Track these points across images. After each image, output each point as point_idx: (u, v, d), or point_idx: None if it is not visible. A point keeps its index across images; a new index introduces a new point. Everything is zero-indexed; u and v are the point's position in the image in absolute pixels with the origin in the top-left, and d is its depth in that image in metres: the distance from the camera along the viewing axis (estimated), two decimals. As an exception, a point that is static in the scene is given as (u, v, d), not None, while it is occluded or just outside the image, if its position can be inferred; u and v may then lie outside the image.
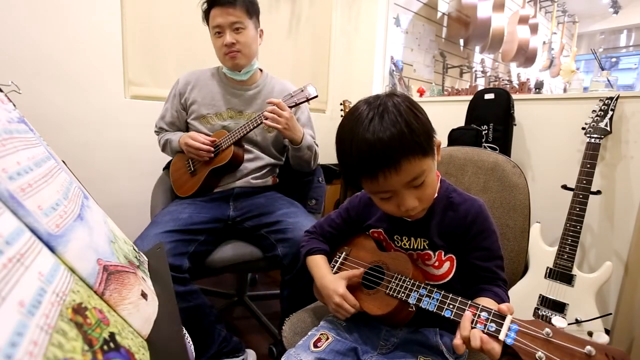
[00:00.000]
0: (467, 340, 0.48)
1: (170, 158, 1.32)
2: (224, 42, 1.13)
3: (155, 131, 1.30)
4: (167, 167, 1.34)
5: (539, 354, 0.42)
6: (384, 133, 0.52)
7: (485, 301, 0.56)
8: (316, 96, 1.10)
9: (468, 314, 0.50)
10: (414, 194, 0.56)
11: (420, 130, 0.53)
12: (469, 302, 0.52)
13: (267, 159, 1.26)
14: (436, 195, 0.64)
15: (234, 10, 1.10)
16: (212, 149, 1.14)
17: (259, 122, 1.09)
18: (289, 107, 1.08)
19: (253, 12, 1.16)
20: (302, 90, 1.10)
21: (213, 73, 1.26)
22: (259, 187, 1.24)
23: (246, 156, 1.20)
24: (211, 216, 1.10)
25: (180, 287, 0.93)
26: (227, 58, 1.16)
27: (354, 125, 0.55)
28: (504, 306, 0.50)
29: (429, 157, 0.55)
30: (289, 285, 1.05)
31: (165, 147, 1.26)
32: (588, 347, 0.41)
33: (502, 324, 0.47)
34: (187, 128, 1.27)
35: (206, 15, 1.16)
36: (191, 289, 0.97)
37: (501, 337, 0.46)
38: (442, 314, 0.53)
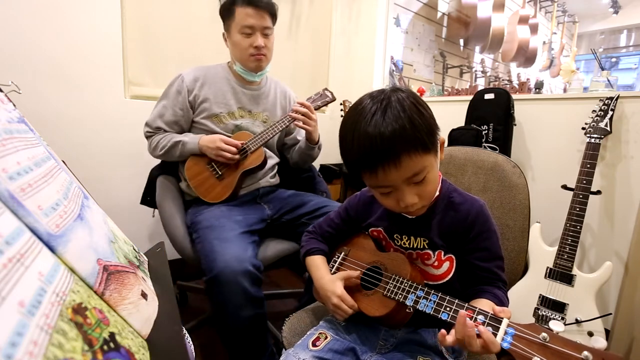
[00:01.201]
0: (462, 343, 0.48)
1: (158, 162, 1.29)
2: (254, 44, 1.13)
3: (149, 132, 1.19)
4: (163, 172, 1.27)
5: (536, 358, 0.42)
6: (386, 127, 0.51)
7: (483, 303, 0.56)
8: (334, 99, 1.24)
9: (463, 314, 0.49)
10: (414, 190, 0.56)
11: (422, 126, 0.53)
12: (466, 305, 0.52)
13: (275, 158, 1.31)
14: (437, 194, 0.64)
15: (267, 15, 1.13)
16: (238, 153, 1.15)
17: (287, 123, 1.16)
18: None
19: (276, 18, 1.19)
20: (321, 95, 1.23)
21: (221, 70, 1.23)
22: (274, 185, 1.30)
23: None
24: (257, 217, 1.13)
25: (260, 292, 0.92)
26: (252, 59, 1.16)
27: (357, 118, 0.55)
28: (499, 309, 0.50)
29: (430, 154, 0.55)
30: None
31: (172, 149, 1.15)
32: (585, 353, 0.40)
33: (499, 327, 0.47)
34: (190, 127, 1.22)
35: (229, 11, 1.13)
36: (262, 294, 0.95)
37: (497, 340, 0.46)
38: (439, 316, 0.53)
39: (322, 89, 1.26)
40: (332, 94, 1.24)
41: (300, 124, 1.16)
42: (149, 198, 1.31)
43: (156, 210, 1.31)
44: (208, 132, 1.18)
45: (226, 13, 1.15)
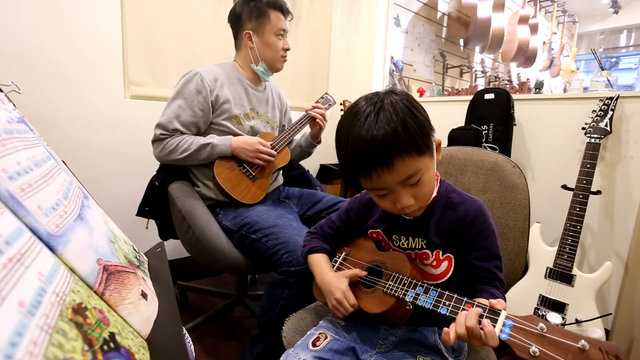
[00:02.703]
0: (463, 337, 0.48)
1: (154, 170, 1.27)
2: (285, 46, 1.22)
3: (164, 134, 1.10)
4: (177, 179, 1.19)
5: (533, 348, 0.42)
6: (378, 131, 0.52)
7: (483, 301, 0.57)
8: (336, 102, 1.37)
9: (462, 314, 0.50)
10: (410, 192, 0.56)
11: (415, 129, 0.53)
12: (464, 299, 0.53)
13: None
14: (435, 194, 0.64)
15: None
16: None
17: (306, 123, 1.28)
18: None
19: None
20: (326, 99, 1.34)
21: (232, 70, 1.22)
22: (282, 183, 1.37)
23: None
24: (297, 214, 1.22)
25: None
26: (282, 60, 1.24)
27: (351, 121, 0.55)
28: (495, 301, 0.50)
29: (425, 156, 0.55)
30: None
31: (196, 153, 1.09)
32: (582, 342, 0.41)
33: (497, 319, 0.47)
34: (206, 129, 1.17)
35: (262, 12, 1.16)
36: None
37: (496, 332, 0.46)
38: (438, 311, 0.54)
39: (324, 94, 1.36)
40: (332, 98, 1.35)
41: (319, 122, 1.27)
42: (147, 208, 1.24)
43: (150, 220, 1.28)
44: (228, 134, 1.16)
45: (258, 13, 1.16)
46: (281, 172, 1.37)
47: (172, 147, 1.10)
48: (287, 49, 1.23)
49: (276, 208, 1.19)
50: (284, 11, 1.20)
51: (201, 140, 1.11)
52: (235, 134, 1.17)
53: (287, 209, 1.23)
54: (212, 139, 1.12)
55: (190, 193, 1.16)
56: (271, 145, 1.19)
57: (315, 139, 1.33)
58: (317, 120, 1.27)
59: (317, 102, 1.33)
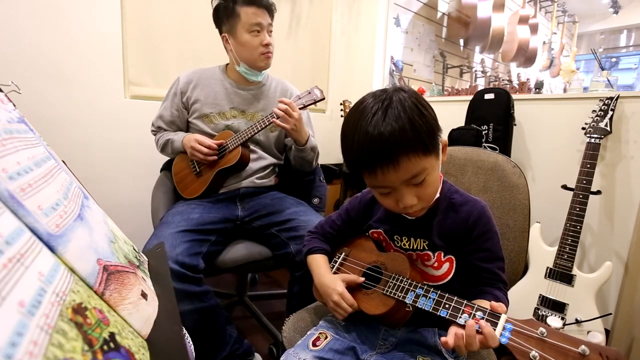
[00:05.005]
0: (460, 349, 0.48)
1: (168, 158, 1.32)
2: (264, 42, 1.14)
3: (153, 131, 1.28)
4: (165, 168, 1.33)
5: (533, 353, 0.42)
6: (385, 128, 0.51)
7: (483, 304, 0.57)
8: (323, 99, 1.12)
9: (457, 333, 0.49)
10: (414, 191, 0.56)
11: (423, 128, 0.52)
12: (465, 302, 0.52)
13: (270, 159, 1.28)
14: (438, 195, 0.64)
15: (267, 13, 1.14)
16: (217, 154, 1.14)
17: (267, 122, 1.10)
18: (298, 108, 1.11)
19: (273, 16, 1.20)
20: (309, 93, 1.13)
21: (216, 71, 1.25)
22: (263, 187, 1.26)
23: (251, 156, 1.20)
24: (221, 216, 1.10)
25: (195, 288, 0.93)
26: (262, 57, 1.16)
27: (359, 117, 0.55)
28: (496, 304, 0.50)
29: (431, 156, 0.55)
30: (300, 282, 1.06)
31: (165, 147, 1.23)
32: (582, 347, 0.41)
33: (497, 323, 0.47)
34: (187, 127, 1.26)
35: (231, 11, 1.11)
36: (207, 289, 0.97)
37: (496, 336, 0.46)
38: (438, 313, 0.53)
39: (312, 87, 1.15)
40: (321, 92, 1.13)
41: (279, 121, 1.08)
42: None
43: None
44: (199, 132, 1.20)
45: (228, 14, 1.13)
46: (263, 173, 1.25)
47: (156, 141, 1.27)
48: (267, 44, 1.14)
49: (199, 206, 1.11)
50: (258, 4, 1.11)
51: (168, 136, 1.22)
52: (206, 133, 1.19)
53: (213, 208, 1.12)
54: (175, 135, 1.22)
55: (162, 182, 1.28)
56: (224, 143, 1.14)
57: (296, 142, 1.16)
58: (278, 120, 1.08)
59: (296, 96, 1.16)
